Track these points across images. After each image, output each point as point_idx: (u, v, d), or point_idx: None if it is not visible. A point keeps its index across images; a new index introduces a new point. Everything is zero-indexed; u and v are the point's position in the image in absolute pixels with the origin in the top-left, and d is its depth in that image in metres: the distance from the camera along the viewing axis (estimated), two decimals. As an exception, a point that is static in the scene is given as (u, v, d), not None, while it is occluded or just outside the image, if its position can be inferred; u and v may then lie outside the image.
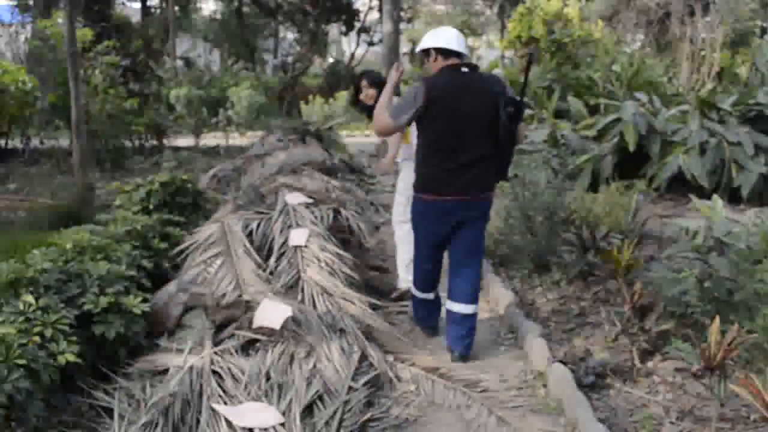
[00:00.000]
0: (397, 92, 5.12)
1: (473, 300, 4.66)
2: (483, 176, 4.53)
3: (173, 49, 21.37)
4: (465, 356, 4.64)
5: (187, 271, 5.14)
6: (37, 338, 3.49)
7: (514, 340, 4.92)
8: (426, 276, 4.85)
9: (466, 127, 4.42)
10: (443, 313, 4.93)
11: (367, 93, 5.79)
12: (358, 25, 27.46)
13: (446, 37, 4.53)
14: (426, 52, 4.60)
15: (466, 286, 4.64)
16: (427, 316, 5.05)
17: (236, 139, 15.15)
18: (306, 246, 5.40)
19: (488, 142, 4.47)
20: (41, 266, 4.09)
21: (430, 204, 4.58)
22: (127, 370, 4.03)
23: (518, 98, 4.49)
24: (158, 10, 26.39)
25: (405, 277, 5.62)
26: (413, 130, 5.06)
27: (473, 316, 4.67)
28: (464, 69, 4.51)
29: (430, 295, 4.96)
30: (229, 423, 3.51)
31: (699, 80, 12.75)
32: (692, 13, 19.67)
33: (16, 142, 14.12)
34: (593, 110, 10.84)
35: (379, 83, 5.60)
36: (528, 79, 4.71)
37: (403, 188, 5.58)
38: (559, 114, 10.93)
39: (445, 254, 4.85)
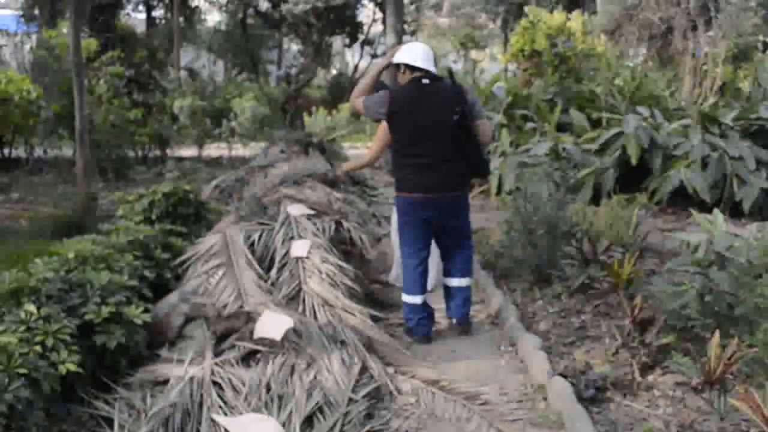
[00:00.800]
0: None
1: (467, 275, 5.26)
2: (448, 177, 5.00)
3: (177, 59, 21.43)
4: (463, 323, 5.24)
5: (189, 281, 5.16)
6: (38, 347, 3.50)
7: (514, 353, 4.91)
8: (415, 274, 5.13)
9: (426, 133, 4.94)
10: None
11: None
12: (361, 37, 27.52)
13: (413, 54, 5.02)
14: (397, 65, 5.10)
15: (459, 264, 5.22)
16: (418, 324, 5.16)
17: (239, 150, 15.19)
18: (307, 257, 5.42)
19: (449, 146, 4.96)
20: (43, 275, 4.10)
21: (404, 200, 5.09)
22: (128, 380, 4.03)
23: (464, 105, 4.95)
24: (163, 21, 26.47)
25: (395, 276, 6.11)
26: None
27: (468, 288, 5.28)
28: (425, 81, 4.98)
29: (419, 299, 5.14)
30: (229, 434, 3.52)
31: (701, 95, 12.76)
32: (695, 28, 19.70)
33: (19, 152, 14.19)
34: (595, 124, 10.85)
35: None
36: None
37: None
38: (562, 127, 10.94)
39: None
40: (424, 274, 5.19)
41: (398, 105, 4.96)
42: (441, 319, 5.55)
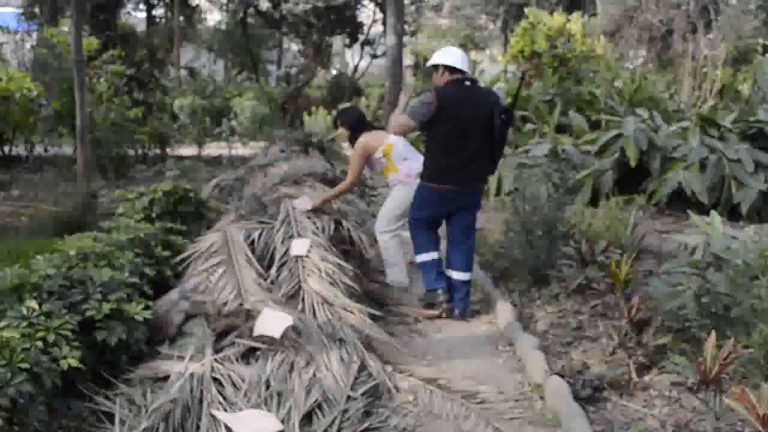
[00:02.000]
0: None
1: (469, 269, 5.68)
2: (479, 170, 5.56)
3: (178, 58, 21.48)
4: (463, 314, 5.63)
5: (189, 279, 5.17)
6: (39, 343, 3.51)
7: (512, 353, 4.94)
8: (426, 237, 5.71)
9: (468, 128, 5.41)
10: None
11: (341, 132, 6.57)
12: (361, 37, 27.54)
13: (453, 57, 5.51)
14: (435, 67, 5.58)
15: (463, 258, 5.64)
16: (436, 277, 5.70)
17: (239, 149, 15.21)
18: (307, 256, 5.43)
19: (484, 141, 5.45)
20: (45, 272, 4.12)
21: (435, 192, 5.53)
22: (128, 376, 4.05)
23: (510, 107, 5.53)
24: (163, 20, 26.50)
25: (391, 278, 6.28)
26: (397, 162, 6.10)
27: (469, 282, 5.71)
28: (466, 83, 5.51)
29: (435, 255, 5.73)
30: (228, 430, 3.55)
31: (700, 97, 12.81)
32: (694, 30, 19.74)
33: (20, 149, 14.20)
34: (594, 125, 10.89)
35: (350, 125, 6.41)
36: (520, 92, 5.82)
37: (392, 207, 6.17)
38: (561, 129, 10.99)
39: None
40: (436, 239, 5.77)
41: (445, 101, 5.39)
42: (437, 318, 5.60)
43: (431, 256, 5.72)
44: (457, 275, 5.63)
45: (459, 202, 5.54)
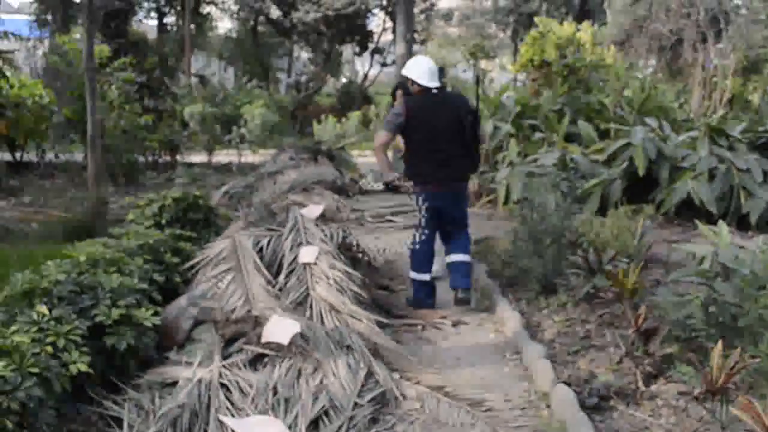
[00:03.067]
0: None
1: (467, 252, 6.00)
2: (457, 169, 5.89)
3: (188, 66, 21.57)
4: (466, 291, 5.85)
5: (198, 285, 5.21)
6: (49, 348, 3.55)
7: (519, 361, 4.95)
8: (424, 256, 5.96)
9: (439, 133, 5.78)
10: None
11: (401, 100, 6.59)
12: (371, 45, 27.64)
13: (419, 71, 5.88)
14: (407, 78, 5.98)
15: (461, 243, 5.97)
16: (425, 297, 6.01)
17: (249, 157, 15.26)
18: (315, 263, 5.46)
19: (457, 143, 5.82)
20: (55, 277, 4.16)
21: (422, 192, 5.85)
22: (137, 381, 4.09)
23: (475, 108, 6.01)
24: (174, 28, 26.64)
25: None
26: None
27: (468, 262, 5.99)
28: (434, 90, 5.89)
29: (427, 276, 5.98)
30: (236, 435, 3.57)
31: (710, 107, 12.78)
32: (704, 40, 19.72)
33: (31, 156, 14.29)
34: (603, 135, 10.88)
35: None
36: (479, 94, 6.57)
37: None
38: (570, 138, 10.97)
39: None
40: (432, 256, 6.00)
41: (415, 111, 5.79)
42: (445, 326, 5.61)
43: (424, 277, 5.98)
44: (457, 257, 5.93)
45: (444, 199, 5.86)
